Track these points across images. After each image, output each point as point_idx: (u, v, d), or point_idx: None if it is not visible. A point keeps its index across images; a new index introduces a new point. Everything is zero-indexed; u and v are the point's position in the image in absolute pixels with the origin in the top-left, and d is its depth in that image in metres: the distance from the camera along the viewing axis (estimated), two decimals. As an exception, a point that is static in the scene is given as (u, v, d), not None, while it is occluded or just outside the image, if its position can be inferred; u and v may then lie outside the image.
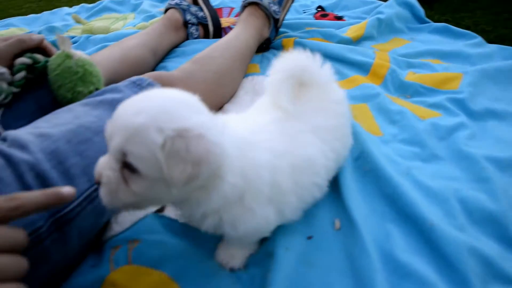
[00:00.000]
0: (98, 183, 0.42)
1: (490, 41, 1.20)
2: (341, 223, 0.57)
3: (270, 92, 0.54)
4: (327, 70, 0.56)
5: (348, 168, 0.66)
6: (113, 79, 0.87)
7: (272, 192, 0.47)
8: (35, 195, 0.39)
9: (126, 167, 0.41)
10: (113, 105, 0.64)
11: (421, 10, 1.30)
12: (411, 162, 0.69)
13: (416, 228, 0.56)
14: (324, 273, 0.51)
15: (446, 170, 0.67)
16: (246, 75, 0.98)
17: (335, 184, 0.62)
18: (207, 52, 0.90)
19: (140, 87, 0.71)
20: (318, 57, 0.55)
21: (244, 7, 1.11)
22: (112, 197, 0.42)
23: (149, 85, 0.72)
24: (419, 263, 0.51)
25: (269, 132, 0.50)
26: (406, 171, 0.65)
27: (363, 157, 0.68)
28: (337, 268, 0.52)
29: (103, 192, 0.42)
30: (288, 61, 0.54)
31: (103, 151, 0.56)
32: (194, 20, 1.20)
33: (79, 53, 0.71)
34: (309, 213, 0.56)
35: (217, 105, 0.87)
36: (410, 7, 1.30)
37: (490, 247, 0.54)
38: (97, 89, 0.72)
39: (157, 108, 0.41)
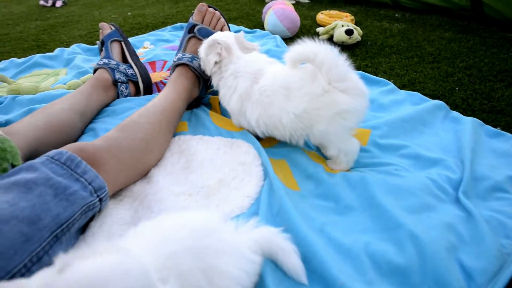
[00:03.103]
0: None
1: (403, 84, 1.32)
2: (256, 289, 0.59)
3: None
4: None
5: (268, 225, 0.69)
6: (38, 148, 0.85)
7: None
8: None
9: None
10: (27, 187, 0.62)
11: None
12: (326, 217, 0.73)
13: (328, 288, 0.58)
14: None
15: (359, 222, 0.72)
16: (174, 134, 0.99)
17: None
18: (133, 118, 0.90)
19: (57, 162, 0.70)
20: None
21: (175, 66, 1.14)
22: None
23: (69, 159, 0.71)
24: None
25: None
26: (320, 227, 0.69)
27: (281, 214, 0.71)
28: None
29: None
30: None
31: (14, 241, 0.54)
32: (123, 78, 1.21)
33: (-11, 127, 0.70)
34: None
35: (143, 172, 0.86)
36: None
37: (395, 298, 0.58)
38: (13, 165, 0.70)
39: None
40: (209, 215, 0.60)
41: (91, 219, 0.73)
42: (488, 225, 0.70)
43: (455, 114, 1.08)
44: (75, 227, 0.66)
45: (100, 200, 0.71)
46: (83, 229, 0.71)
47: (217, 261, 0.50)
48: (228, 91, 0.92)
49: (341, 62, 0.77)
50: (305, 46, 0.77)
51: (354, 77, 0.80)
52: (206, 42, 0.98)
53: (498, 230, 0.71)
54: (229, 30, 1.22)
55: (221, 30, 1.19)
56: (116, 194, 0.82)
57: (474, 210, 0.73)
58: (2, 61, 1.80)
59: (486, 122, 1.07)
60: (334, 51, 0.76)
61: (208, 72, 0.99)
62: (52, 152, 0.71)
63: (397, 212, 0.71)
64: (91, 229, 0.70)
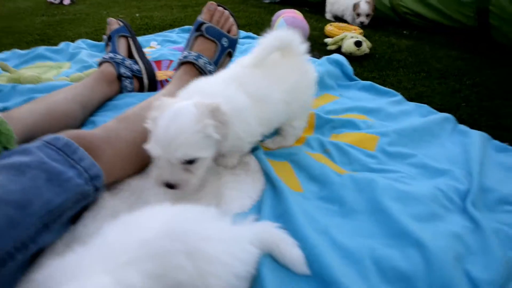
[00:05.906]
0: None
1: (410, 97, 1.30)
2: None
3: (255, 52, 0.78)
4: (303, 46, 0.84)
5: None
6: (35, 135, 0.82)
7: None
8: None
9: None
10: (19, 170, 0.59)
11: (350, 69, 1.39)
12: (330, 219, 0.70)
13: (330, 292, 0.55)
14: None
15: (364, 226, 0.69)
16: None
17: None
18: (135, 110, 0.87)
19: (53, 147, 0.67)
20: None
21: (180, 64, 1.12)
22: None
23: (66, 145, 0.68)
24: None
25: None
26: (324, 229, 0.66)
27: (284, 216, 0.68)
28: None
29: None
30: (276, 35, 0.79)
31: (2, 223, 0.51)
32: (128, 73, 1.19)
33: (-15, 110, 0.67)
34: None
35: (140, 166, 0.83)
36: (340, 66, 1.39)
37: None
38: (6, 148, 0.67)
39: None
40: (197, 207, 0.58)
41: (84, 209, 0.70)
42: (496, 237, 0.68)
43: (463, 127, 1.06)
44: (66, 216, 0.63)
45: (96, 189, 0.69)
46: (74, 221, 0.68)
47: (203, 245, 0.48)
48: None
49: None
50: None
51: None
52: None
53: (506, 242, 0.68)
54: (238, 30, 1.21)
55: (230, 30, 1.17)
56: (112, 187, 0.79)
57: (482, 221, 0.71)
58: (4, 52, 1.77)
59: (492, 138, 1.05)
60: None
61: None
62: (49, 137, 0.68)
63: (404, 219, 0.68)
64: (84, 220, 0.67)
